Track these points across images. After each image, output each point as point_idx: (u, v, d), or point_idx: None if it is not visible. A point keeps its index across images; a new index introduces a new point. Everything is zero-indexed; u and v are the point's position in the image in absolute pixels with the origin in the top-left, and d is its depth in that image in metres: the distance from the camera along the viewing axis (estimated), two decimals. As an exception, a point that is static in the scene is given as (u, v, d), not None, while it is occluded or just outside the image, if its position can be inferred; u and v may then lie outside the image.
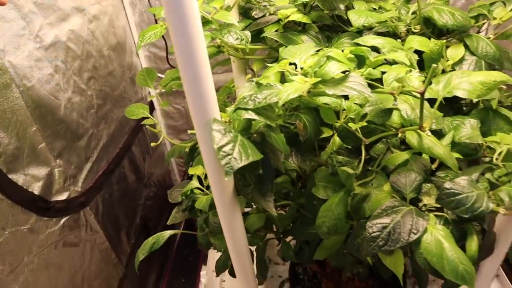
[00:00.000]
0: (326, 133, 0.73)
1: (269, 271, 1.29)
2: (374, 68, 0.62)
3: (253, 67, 0.92)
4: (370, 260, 0.70)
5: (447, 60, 0.78)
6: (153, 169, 1.61)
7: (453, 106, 0.79)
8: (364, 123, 0.63)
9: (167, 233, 0.81)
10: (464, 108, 0.79)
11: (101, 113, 1.20)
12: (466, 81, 0.53)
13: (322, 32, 0.92)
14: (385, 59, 0.71)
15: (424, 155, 0.67)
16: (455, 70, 0.78)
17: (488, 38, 0.79)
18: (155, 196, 1.60)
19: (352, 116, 0.63)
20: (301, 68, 0.57)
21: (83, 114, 1.10)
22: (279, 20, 0.84)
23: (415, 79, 0.50)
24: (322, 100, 0.63)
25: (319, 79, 0.51)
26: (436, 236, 0.51)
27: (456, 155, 0.68)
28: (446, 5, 0.77)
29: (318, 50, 0.64)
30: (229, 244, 0.69)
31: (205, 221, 0.75)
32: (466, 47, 0.78)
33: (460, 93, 0.53)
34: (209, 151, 0.53)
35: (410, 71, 0.53)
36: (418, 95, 0.56)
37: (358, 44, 0.72)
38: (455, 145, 0.70)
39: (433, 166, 0.67)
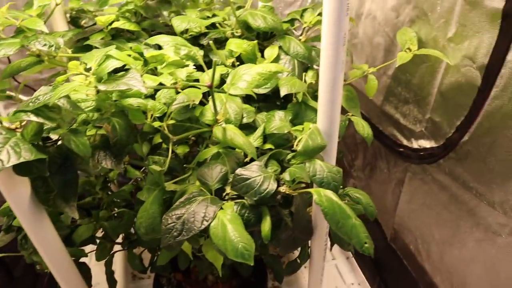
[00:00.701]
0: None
1: (134, 286, 1.26)
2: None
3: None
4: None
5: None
6: None
7: (274, 101, 0.86)
8: (173, 121, 0.65)
9: (-12, 257, 0.74)
10: (283, 103, 0.85)
11: None
12: (248, 73, 0.58)
13: (156, 39, 0.93)
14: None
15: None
16: (273, 69, 0.85)
17: (299, 39, 0.87)
18: None
19: (158, 115, 0.64)
20: (89, 69, 0.56)
21: None
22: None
23: (183, 72, 0.53)
24: (128, 101, 0.63)
25: (96, 78, 0.51)
26: (222, 220, 0.53)
27: (269, 145, 0.74)
28: (260, 10, 0.84)
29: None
30: (45, 256, 0.65)
31: (23, 237, 0.71)
32: (281, 48, 0.85)
33: (242, 84, 0.57)
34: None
35: (187, 65, 0.57)
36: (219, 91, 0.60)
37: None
38: (270, 137, 0.75)
39: (247, 159, 0.71)
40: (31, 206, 0.58)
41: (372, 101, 1.20)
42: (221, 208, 0.57)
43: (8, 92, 0.89)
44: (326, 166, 0.61)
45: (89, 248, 0.86)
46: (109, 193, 0.91)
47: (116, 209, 0.83)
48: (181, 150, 0.71)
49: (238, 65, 0.85)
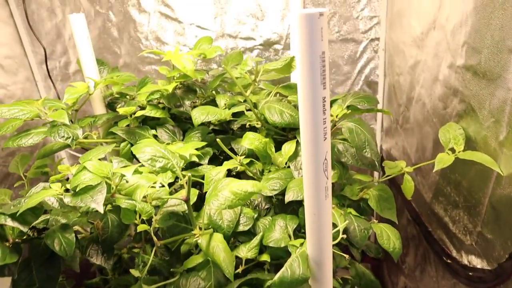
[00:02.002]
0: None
1: None
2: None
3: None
4: None
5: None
6: None
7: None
8: (160, 225, 0.63)
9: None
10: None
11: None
12: (225, 188, 0.54)
13: (183, 124, 0.95)
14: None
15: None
16: (290, 167, 0.80)
17: (320, 135, 0.81)
18: None
19: (144, 218, 0.62)
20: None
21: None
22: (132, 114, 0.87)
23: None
24: (121, 200, 0.63)
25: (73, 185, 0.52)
26: None
27: (266, 257, 0.67)
28: (280, 102, 0.80)
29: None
30: None
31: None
32: (299, 143, 0.80)
33: (213, 204, 0.53)
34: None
35: (154, 183, 0.54)
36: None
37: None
38: (269, 247, 0.68)
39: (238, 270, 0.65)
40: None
41: (423, 196, 1.06)
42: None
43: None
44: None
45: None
46: (122, 273, 0.91)
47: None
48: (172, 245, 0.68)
49: (256, 157, 0.82)
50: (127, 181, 0.54)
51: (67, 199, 0.50)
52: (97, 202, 0.48)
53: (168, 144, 0.85)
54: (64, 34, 1.34)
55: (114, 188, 0.53)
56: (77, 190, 0.52)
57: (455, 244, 0.90)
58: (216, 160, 0.92)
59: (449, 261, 0.92)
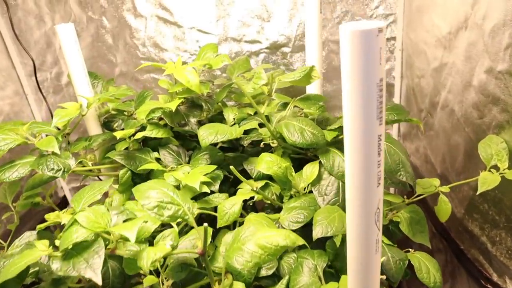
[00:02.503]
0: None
1: None
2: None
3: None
4: None
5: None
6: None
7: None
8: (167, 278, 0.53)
9: None
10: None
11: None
12: (251, 241, 0.44)
13: (188, 143, 0.85)
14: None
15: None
16: (311, 192, 0.70)
17: (346, 155, 0.71)
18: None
19: (152, 269, 0.53)
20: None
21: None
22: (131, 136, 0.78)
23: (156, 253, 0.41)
24: (121, 249, 0.54)
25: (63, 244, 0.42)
26: None
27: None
28: (299, 119, 0.71)
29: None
30: None
31: None
32: (322, 164, 0.70)
33: (236, 261, 0.43)
34: None
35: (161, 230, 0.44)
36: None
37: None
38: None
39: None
40: None
41: (452, 209, 0.97)
42: None
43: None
44: None
45: None
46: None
47: None
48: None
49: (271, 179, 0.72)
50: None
51: (56, 265, 0.40)
52: (93, 269, 0.39)
53: (172, 169, 0.76)
54: (55, 43, 1.23)
55: (114, 243, 0.44)
56: (67, 252, 0.42)
57: (496, 268, 0.81)
58: (226, 182, 0.82)
59: (489, 286, 0.83)
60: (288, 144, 0.76)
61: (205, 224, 0.43)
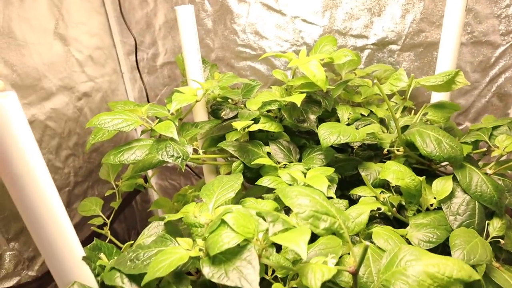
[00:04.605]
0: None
1: None
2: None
3: (220, 170, 0.82)
4: None
5: (434, 197, 0.64)
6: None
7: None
8: (295, 285, 0.50)
9: None
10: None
11: (78, 191, 1.15)
12: (412, 267, 0.39)
13: (297, 139, 0.81)
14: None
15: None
16: (441, 208, 0.63)
17: (485, 173, 0.64)
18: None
19: (279, 275, 0.50)
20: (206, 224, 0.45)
21: (54, 194, 1.05)
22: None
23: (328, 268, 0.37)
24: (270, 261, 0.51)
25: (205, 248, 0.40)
26: None
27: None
28: (433, 129, 0.64)
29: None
30: None
31: None
32: (456, 181, 0.63)
33: (399, 287, 0.38)
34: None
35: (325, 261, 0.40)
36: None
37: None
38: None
39: None
40: None
41: None
42: None
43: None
44: None
45: None
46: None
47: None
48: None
49: (395, 190, 0.66)
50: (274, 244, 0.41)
51: (207, 270, 0.38)
52: (249, 281, 0.36)
53: (284, 166, 0.72)
54: (155, 24, 1.24)
55: (260, 251, 0.40)
56: (213, 256, 0.39)
57: None
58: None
59: None
60: (413, 154, 0.69)
61: (367, 243, 0.38)
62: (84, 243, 0.55)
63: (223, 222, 0.41)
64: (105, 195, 0.89)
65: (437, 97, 0.83)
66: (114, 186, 0.88)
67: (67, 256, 0.41)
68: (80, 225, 1.15)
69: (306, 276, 0.37)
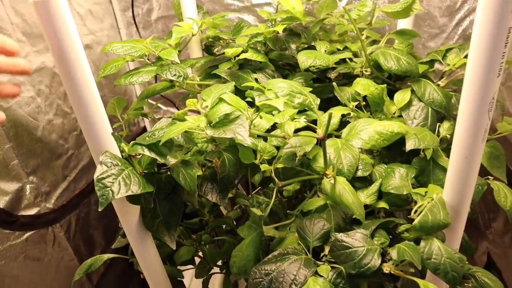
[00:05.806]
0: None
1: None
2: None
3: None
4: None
5: (396, 108, 0.76)
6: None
7: (398, 151, 0.76)
8: (281, 165, 0.63)
9: (105, 256, 0.82)
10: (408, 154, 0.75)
11: (85, 135, 1.26)
12: (366, 130, 0.52)
13: (281, 70, 0.92)
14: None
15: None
16: (401, 116, 0.76)
17: (437, 84, 0.76)
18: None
19: (267, 158, 0.62)
20: (207, 107, 0.58)
21: (64, 135, 1.16)
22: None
23: (291, 126, 0.49)
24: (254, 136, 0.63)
25: (207, 120, 0.52)
26: (312, 290, 0.48)
27: (383, 204, 0.66)
28: (394, 49, 0.76)
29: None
30: (145, 273, 0.69)
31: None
32: (414, 92, 0.76)
33: (355, 143, 0.51)
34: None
35: (293, 119, 0.52)
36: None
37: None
38: (386, 194, 0.67)
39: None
40: (138, 228, 0.62)
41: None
42: (316, 272, 0.52)
43: (145, 109, 0.99)
44: (446, 250, 0.50)
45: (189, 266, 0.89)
46: (216, 216, 0.93)
47: (218, 235, 0.85)
48: (287, 193, 0.68)
49: (364, 106, 0.78)
50: (261, 117, 0.54)
51: (210, 131, 0.50)
52: (241, 135, 0.48)
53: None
54: (149, -21, 1.33)
55: (250, 123, 0.52)
56: (213, 124, 0.52)
57: None
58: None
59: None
60: (380, 74, 0.82)
61: (330, 112, 0.50)
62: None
63: (220, 99, 0.53)
64: (113, 127, 1.00)
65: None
66: (120, 119, 0.99)
67: (101, 130, 0.53)
68: (88, 166, 1.26)
69: (284, 127, 0.49)
